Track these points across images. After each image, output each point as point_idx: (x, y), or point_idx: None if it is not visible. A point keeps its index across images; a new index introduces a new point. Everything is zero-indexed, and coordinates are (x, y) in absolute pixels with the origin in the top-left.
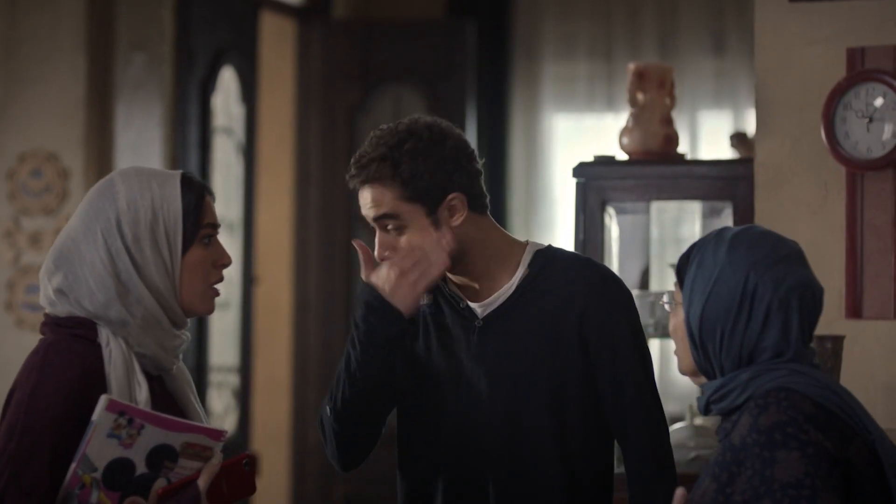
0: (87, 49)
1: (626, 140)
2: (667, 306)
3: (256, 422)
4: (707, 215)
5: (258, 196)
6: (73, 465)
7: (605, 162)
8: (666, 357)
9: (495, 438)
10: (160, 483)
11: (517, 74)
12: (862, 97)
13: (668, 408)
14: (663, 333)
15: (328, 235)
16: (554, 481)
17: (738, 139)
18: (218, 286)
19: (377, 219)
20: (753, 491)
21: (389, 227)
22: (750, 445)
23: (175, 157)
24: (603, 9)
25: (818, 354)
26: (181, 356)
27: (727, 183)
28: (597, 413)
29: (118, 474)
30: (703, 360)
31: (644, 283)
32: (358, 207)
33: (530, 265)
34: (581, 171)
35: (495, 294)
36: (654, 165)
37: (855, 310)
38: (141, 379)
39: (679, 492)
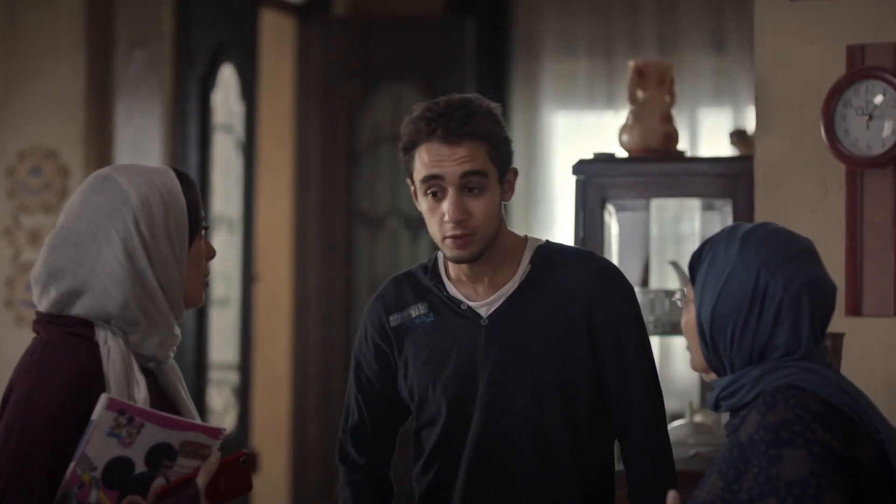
0: (86, 47)
1: (625, 137)
2: (679, 303)
3: (256, 419)
4: (706, 213)
5: (258, 193)
6: (73, 465)
7: (604, 159)
8: (665, 354)
9: (508, 436)
10: (159, 482)
11: (517, 72)
12: (862, 95)
13: (669, 405)
14: (663, 330)
15: (328, 233)
16: (566, 475)
17: (738, 136)
18: (217, 284)
19: (467, 174)
20: (759, 489)
21: (473, 185)
22: (757, 443)
23: (175, 155)
24: (603, 6)
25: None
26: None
27: (727, 180)
28: (604, 406)
29: (117, 473)
30: (713, 358)
31: (644, 281)
32: (358, 204)
33: (532, 261)
34: (581, 168)
35: (498, 292)
36: (654, 163)
37: (855, 307)
38: (140, 377)
39: (671, 495)
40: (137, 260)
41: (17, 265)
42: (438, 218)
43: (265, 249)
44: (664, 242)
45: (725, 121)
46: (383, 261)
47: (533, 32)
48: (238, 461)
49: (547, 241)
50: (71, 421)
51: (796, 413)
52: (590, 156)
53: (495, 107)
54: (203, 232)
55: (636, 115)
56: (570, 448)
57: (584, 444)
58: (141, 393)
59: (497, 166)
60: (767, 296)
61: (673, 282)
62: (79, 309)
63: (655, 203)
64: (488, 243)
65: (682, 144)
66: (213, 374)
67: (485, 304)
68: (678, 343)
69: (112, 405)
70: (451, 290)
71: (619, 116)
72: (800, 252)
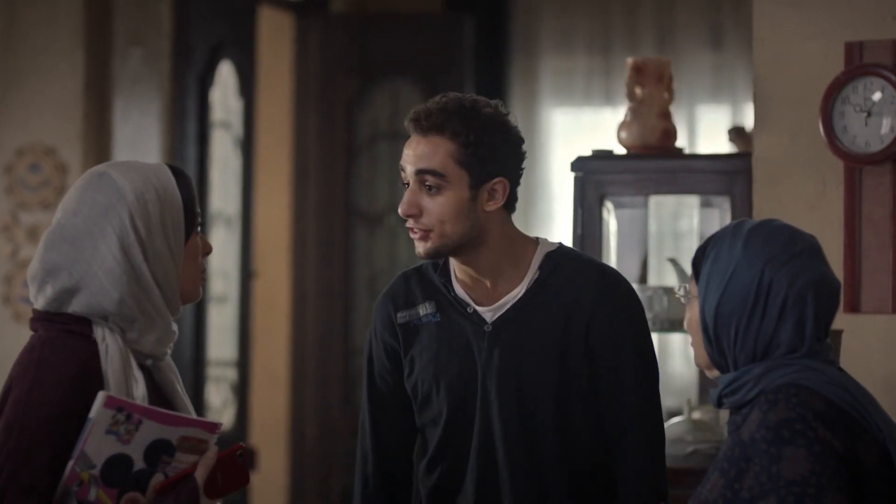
0: (85, 44)
1: (624, 134)
2: (682, 299)
3: (254, 416)
4: (705, 209)
5: (256, 190)
6: (71, 463)
7: (603, 156)
8: (663, 351)
9: (504, 444)
10: (157, 478)
11: (515, 69)
12: (860, 91)
13: (667, 402)
14: (661, 327)
15: (326, 230)
16: (559, 482)
17: (737, 133)
18: (215, 280)
19: (420, 172)
20: (760, 487)
21: (429, 183)
22: (758, 441)
23: (173, 152)
24: (601, 3)
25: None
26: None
27: (725, 177)
28: (601, 421)
29: (116, 470)
30: (716, 355)
31: (642, 278)
32: (356, 200)
33: (541, 267)
34: (579, 165)
35: (505, 298)
36: (653, 160)
37: (853, 304)
38: (138, 374)
39: None
40: (133, 256)
41: (15, 262)
42: None
43: (263, 246)
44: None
45: (724, 117)
46: (381, 258)
47: (531, 29)
48: (235, 455)
49: (560, 246)
50: (70, 419)
51: (798, 412)
52: (588, 153)
53: (495, 114)
54: (199, 227)
55: (634, 112)
56: (562, 461)
57: (577, 458)
58: (139, 390)
59: (468, 170)
60: (771, 293)
61: (671, 279)
62: (76, 306)
63: (654, 200)
64: (451, 244)
65: (681, 141)
66: (212, 371)
67: (490, 310)
68: (676, 340)
69: (109, 403)
70: (459, 290)
71: (617, 113)
72: (804, 249)
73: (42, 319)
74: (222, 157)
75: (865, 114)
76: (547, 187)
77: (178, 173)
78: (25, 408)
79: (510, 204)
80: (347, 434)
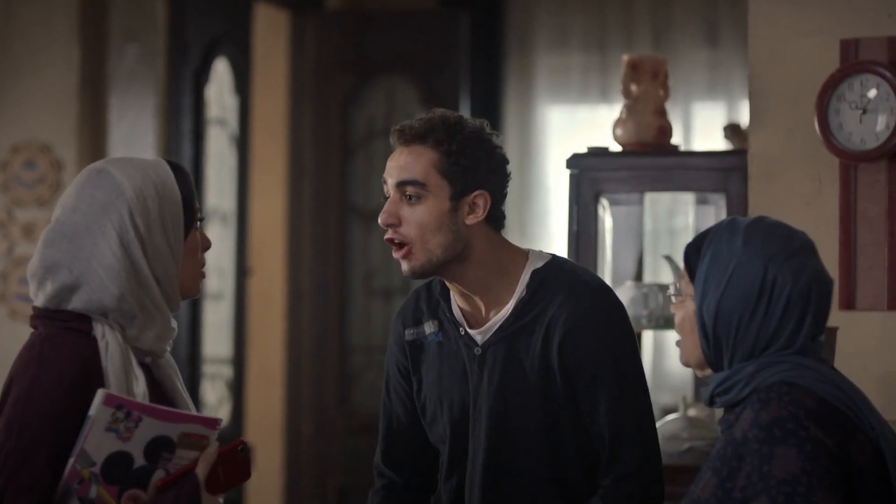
0: (80, 40)
1: (619, 131)
2: (673, 298)
3: (250, 413)
4: (700, 206)
5: (251, 187)
6: (72, 460)
7: (598, 153)
8: (659, 348)
9: (494, 468)
10: (159, 475)
11: (511, 66)
12: (856, 88)
13: (662, 399)
14: (657, 325)
15: (321, 227)
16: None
17: (732, 130)
18: (211, 278)
19: (401, 183)
20: (752, 487)
21: (409, 193)
22: (750, 440)
23: (168, 149)
24: (597, 0)
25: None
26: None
27: (721, 174)
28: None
29: (117, 468)
30: (712, 353)
31: (638, 275)
32: (351, 198)
33: (528, 286)
34: (575, 162)
35: (493, 319)
36: (648, 157)
37: (848, 301)
38: (138, 371)
39: None
40: (133, 253)
41: (10, 259)
42: None
43: (259, 243)
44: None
45: (719, 115)
46: (377, 255)
47: (527, 26)
48: (236, 451)
49: (549, 260)
50: (71, 417)
51: (790, 410)
52: (583, 150)
53: (480, 130)
54: (199, 223)
55: (630, 109)
56: (554, 484)
57: (570, 481)
58: (140, 387)
59: (449, 181)
60: (775, 290)
61: (667, 276)
62: (76, 303)
63: (649, 197)
64: (436, 260)
65: (676, 138)
66: (207, 369)
67: (480, 332)
68: (672, 337)
69: (109, 400)
70: (456, 310)
71: (612, 110)
72: (801, 246)
73: (42, 317)
74: (218, 154)
75: (861, 111)
76: (542, 184)
77: (177, 169)
78: (26, 406)
79: (496, 220)
80: (343, 432)
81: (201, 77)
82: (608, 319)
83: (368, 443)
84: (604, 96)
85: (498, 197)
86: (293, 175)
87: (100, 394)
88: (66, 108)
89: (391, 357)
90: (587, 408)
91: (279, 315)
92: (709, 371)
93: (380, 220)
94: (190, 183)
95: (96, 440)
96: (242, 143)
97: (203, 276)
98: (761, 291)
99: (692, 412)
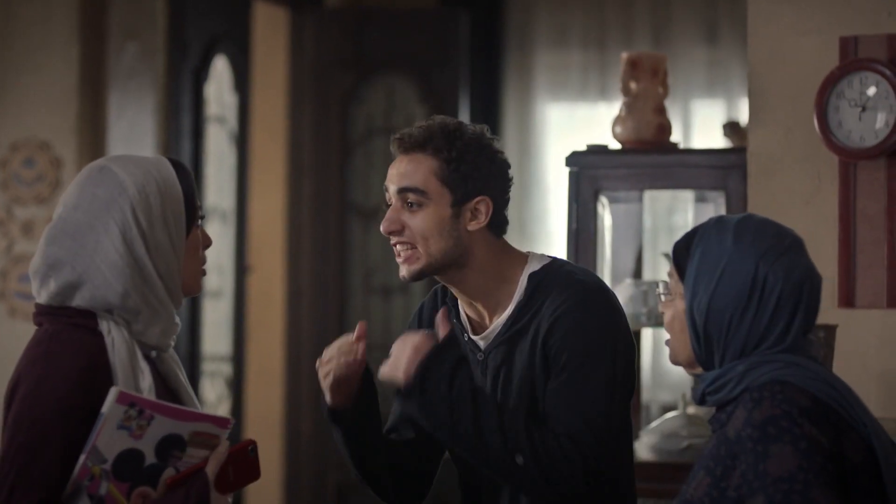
0: (80, 38)
1: (619, 129)
2: (662, 297)
3: (249, 411)
4: (700, 204)
5: (251, 185)
6: (83, 457)
7: (598, 151)
8: (659, 346)
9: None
10: (169, 472)
11: (510, 64)
12: (855, 86)
13: (662, 397)
14: (657, 322)
15: (321, 224)
16: None
17: (731, 128)
18: (210, 275)
19: (402, 190)
20: (748, 486)
21: (410, 200)
22: (744, 439)
23: (168, 147)
24: None
25: (815, 343)
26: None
27: (720, 172)
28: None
29: (128, 465)
30: (703, 351)
31: (637, 272)
32: (351, 196)
33: (525, 290)
34: (574, 160)
35: (494, 324)
36: (647, 155)
37: (848, 299)
38: (144, 366)
39: None
40: (136, 249)
41: (9, 257)
42: None
43: (258, 241)
44: (657, 234)
45: (719, 112)
46: (376, 253)
47: (526, 24)
48: (246, 450)
49: (547, 263)
50: (80, 413)
51: (783, 408)
52: (583, 147)
53: (480, 135)
54: (199, 221)
55: (629, 107)
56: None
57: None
58: (146, 382)
59: (450, 188)
60: (767, 287)
61: (666, 273)
62: (79, 300)
63: (649, 195)
64: (435, 264)
65: (676, 136)
66: (207, 366)
67: (482, 338)
68: None
69: (122, 398)
70: (462, 316)
71: (612, 108)
72: (792, 243)
73: (47, 313)
74: (217, 152)
75: (860, 109)
76: (542, 182)
77: (178, 166)
78: (34, 402)
79: (498, 226)
80: None
81: (201, 75)
82: (595, 315)
83: None
84: (603, 94)
85: (500, 202)
86: (293, 173)
87: (113, 391)
88: (65, 106)
89: None
90: (546, 394)
91: (279, 313)
92: (699, 369)
93: (382, 228)
94: (191, 180)
95: (108, 437)
96: (242, 142)
97: (204, 273)
98: (752, 288)
99: (691, 410)
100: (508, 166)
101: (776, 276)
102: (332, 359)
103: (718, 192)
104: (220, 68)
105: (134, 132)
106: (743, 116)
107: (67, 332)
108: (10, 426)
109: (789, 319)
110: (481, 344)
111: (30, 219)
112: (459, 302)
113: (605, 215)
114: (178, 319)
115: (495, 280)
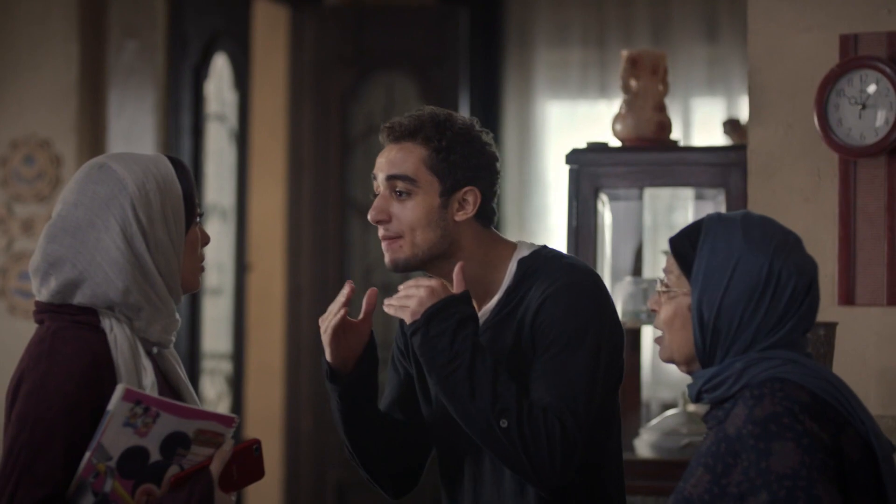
0: (79, 36)
1: (619, 127)
2: (661, 294)
3: (249, 408)
4: (699, 202)
5: (251, 183)
6: (88, 454)
7: (598, 149)
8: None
9: (482, 460)
10: (173, 470)
11: (510, 61)
12: (855, 84)
13: (662, 395)
14: None
15: (321, 222)
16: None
17: (731, 126)
18: (210, 273)
19: (391, 177)
20: (750, 483)
21: (399, 188)
22: (745, 437)
23: (168, 144)
24: None
25: (811, 341)
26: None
27: (720, 170)
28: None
29: (132, 462)
30: (707, 347)
31: (637, 270)
32: (350, 193)
33: (514, 275)
34: (574, 157)
35: (483, 310)
36: (647, 152)
37: (848, 296)
38: (146, 363)
39: None
40: (136, 246)
41: (9, 254)
42: None
43: (258, 239)
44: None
45: (719, 110)
46: (376, 250)
47: (526, 22)
48: (251, 449)
49: (537, 250)
50: (84, 410)
51: (784, 405)
52: (583, 145)
53: (470, 126)
54: (198, 218)
55: (629, 105)
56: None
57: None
58: (148, 379)
59: (439, 177)
60: (780, 283)
61: (663, 272)
62: (80, 298)
63: (649, 192)
64: (421, 255)
65: (676, 134)
66: (207, 364)
67: None
68: None
69: (128, 395)
70: None
71: (612, 106)
72: (796, 241)
73: (48, 311)
74: (217, 150)
75: (860, 106)
76: (542, 180)
77: (177, 164)
78: (39, 399)
79: (486, 217)
80: None
81: (200, 73)
82: (582, 298)
83: None
84: (603, 92)
85: (488, 193)
86: (292, 170)
87: (119, 389)
88: (65, 103)
89: (398, 338)
90: (531, 373)
91: (278, 310)
92: (695, 367)
93: (369, 217)
94: (190, 178)
95: (114, 434)
96: (242, 139)
97: (202, 270)
98: (767, 283)
99: (691, 408)
100: (496, 158)
101: (790, 272)
102: (330, 313)
103: (718, 189)
104: (220, 66)
105: (134, 130)
106: (743, 114)
107: (70, 329)
108: (14, 423)
109: (798, 314)
110: None
111: (30, 216)
112: None
113: (605, 213)
114: (178, 316)
115: (483, 268)
